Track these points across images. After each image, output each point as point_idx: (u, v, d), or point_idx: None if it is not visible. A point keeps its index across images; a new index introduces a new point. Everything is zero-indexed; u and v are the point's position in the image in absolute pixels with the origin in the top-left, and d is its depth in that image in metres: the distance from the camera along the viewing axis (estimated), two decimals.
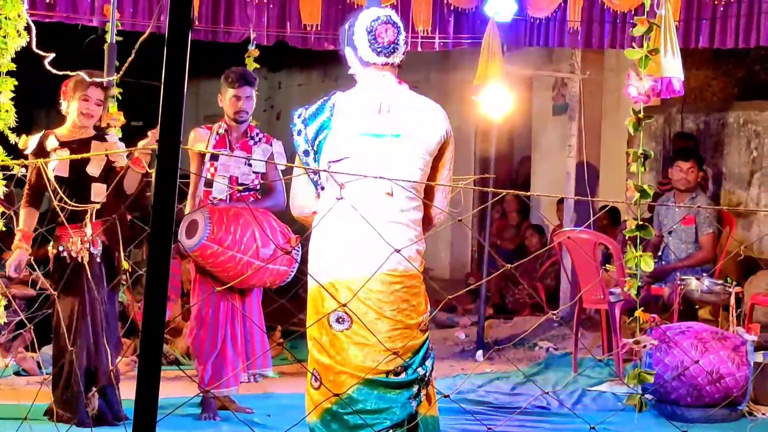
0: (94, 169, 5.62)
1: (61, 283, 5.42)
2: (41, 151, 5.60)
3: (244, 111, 6.13)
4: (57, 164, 5.51)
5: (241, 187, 6.03)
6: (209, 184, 6.07)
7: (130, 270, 5.80)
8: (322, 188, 3.80)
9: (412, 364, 3.71)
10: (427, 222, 3.89)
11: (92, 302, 5.53)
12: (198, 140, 6.16)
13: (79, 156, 5.33)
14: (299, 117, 3.82)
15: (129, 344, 7.28)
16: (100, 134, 5.83)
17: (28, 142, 5.62)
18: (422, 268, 3.81)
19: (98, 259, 5.59)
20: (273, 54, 9.57)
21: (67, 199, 5.31)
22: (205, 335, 5.97)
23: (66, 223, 5.32)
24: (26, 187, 5.66)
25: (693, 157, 7.95)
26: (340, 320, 3.68)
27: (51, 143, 5.66)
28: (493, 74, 8.06)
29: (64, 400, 5.57)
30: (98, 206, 5.46)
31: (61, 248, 5.57)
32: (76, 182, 5.58)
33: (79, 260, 5.46)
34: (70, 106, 5.74)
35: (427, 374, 3.78)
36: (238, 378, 6.04)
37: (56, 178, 5.53)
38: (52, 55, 4.19)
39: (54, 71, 4.21)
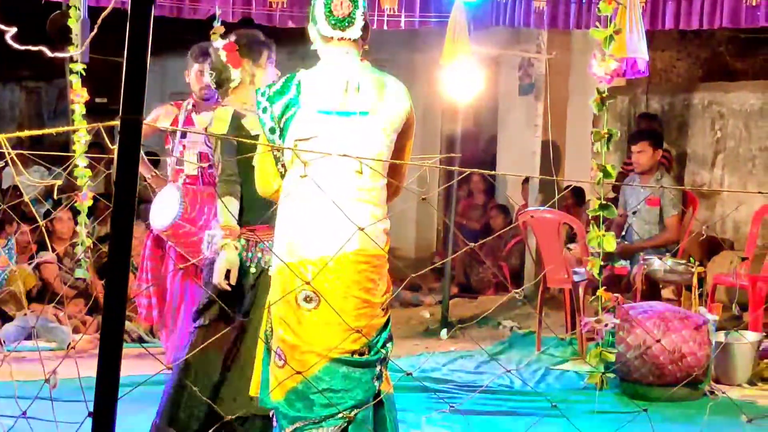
0: None
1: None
2: (239, 134, 4.51)
3: (208, 86, 6.08)
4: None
5: (205, 164, 5.98)
6: (180, 162, 6.02)
7: (91, 247, 5.60)
8: (283, 166, 3.78)
9: (376, 343, 3.72)
10: (393, 196, 3.89)
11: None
12: (166, 117, 6.08)
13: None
14: (263, 95, 3.78)
15: (91, 321, 7.24)
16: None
17: (211, 121, 4.57)
18: (387, 247, 3.81)
19: None
20: None
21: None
22: (170, 313, 5.95)
23: (258, 225, 4.45)
24: (219, 172, 4.60)
25: (643, 139, 7.85)
26: (308, 299, 3.66)
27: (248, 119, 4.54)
28: (460, 53, 8.05)
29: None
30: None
31: (249, 255, 4.58)
32: None
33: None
34: (249, 75, 4.76)
35: (388, 354, 3.79)
36: None
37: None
38: (14, 30, 4.14)
39: (16, 46, 4.16)
